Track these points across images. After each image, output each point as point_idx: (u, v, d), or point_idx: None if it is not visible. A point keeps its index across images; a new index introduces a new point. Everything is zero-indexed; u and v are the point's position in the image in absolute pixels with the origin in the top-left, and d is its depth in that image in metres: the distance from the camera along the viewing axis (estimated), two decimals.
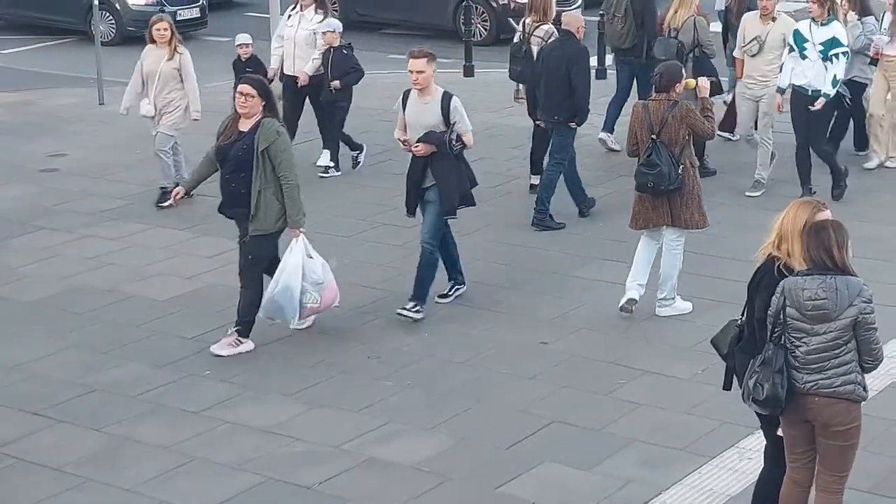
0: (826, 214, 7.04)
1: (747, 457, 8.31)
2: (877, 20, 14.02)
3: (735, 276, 11.15)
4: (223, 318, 10.66)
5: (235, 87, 14.35)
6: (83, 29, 21.51)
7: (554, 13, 13.63)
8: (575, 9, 18.73)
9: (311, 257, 10.10)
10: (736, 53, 13.72)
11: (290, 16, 14.83)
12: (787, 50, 12.99)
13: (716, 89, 12.91)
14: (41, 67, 20.34)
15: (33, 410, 9.25)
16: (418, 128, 10.58)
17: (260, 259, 10.08)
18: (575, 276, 11.47)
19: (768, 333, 6.99)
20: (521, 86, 13.83)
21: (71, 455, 8.66)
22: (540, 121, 13.05)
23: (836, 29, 12.76)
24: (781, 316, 6.91)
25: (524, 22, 13.78)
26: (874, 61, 13.99)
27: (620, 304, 10.50)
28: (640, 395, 9.25)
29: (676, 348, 9.98)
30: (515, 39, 13.86)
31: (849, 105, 13.73)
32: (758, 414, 7.26)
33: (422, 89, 10.54)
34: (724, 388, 7.45)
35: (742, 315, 7.30)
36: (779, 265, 7.03)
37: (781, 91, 13.01)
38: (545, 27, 13.47)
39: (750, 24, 13.49)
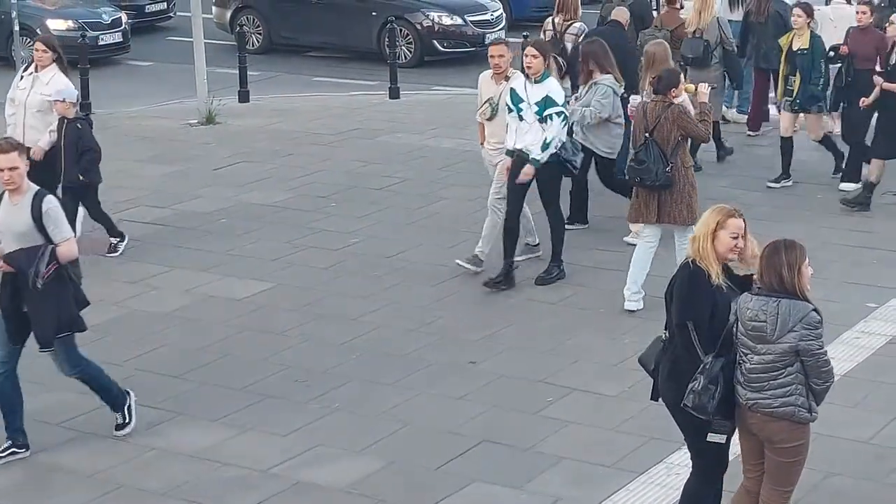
0: (739, 223, 7.16)
1: (675, 472, 8.36)
2: (616, 80, 12.49)
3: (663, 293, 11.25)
4: (148, 344, 10.59)
5: None
6: (3, 55, 21.29)
7: (580, 11, 14.58)
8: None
9: None
10: (477, 117, 12.34)
11: (22, 76, 12.68)
12: (507, 110, 11.60)
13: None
14: None
15: None
16: (9, 236, 8.47)
17: None
18: (504, 296, 11.49)
19: (717, 345, 7.08)
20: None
21: None
22: None
23: (550, 86, 11.35)
24: (734, 330, 7.02)
25: (553, 21, 14.52)
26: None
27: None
28: (569, 413, 9.28)
29: (603, 366, 10.03)
30: (547, 38, 14.39)
31: (574, 172, 11.78)
32: (681, 427, 7.35)
33: (13, 189, 8.40)
34: (651, 399, 7.57)
35: (665, 329, 7.40)
36: (692, 261, 7.15)
37: (510, 154, 11.54)
38: (577, 25, 14.33)
39: (485, 84, 12.14)
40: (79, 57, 18.78)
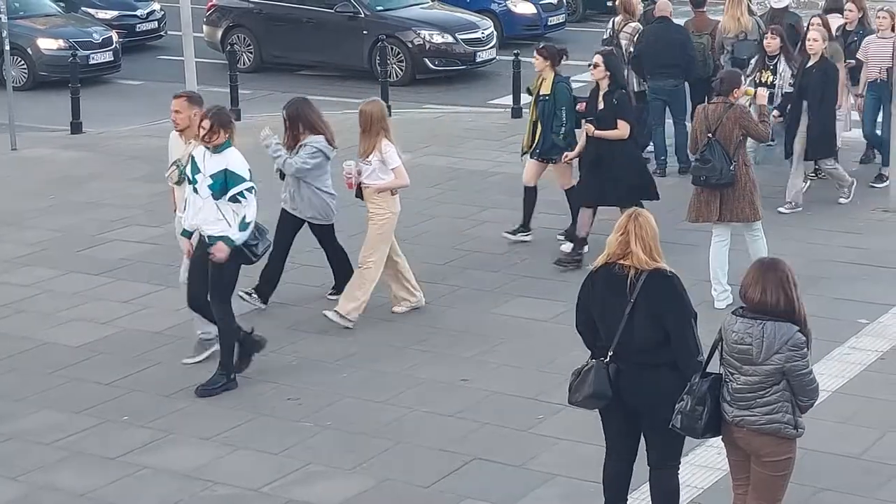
0: (648, 214, 7.40)
1: None
2: (328, 143, 11.29)
3: None
4: (139, 363, 10.59)
5: None
6: None
7: (640, 12, 15.86)
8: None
9: None
10: (167, 181, 10.83)
11: None
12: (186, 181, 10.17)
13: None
14: None
15: None
16: None
17: None
18: (494, 313, 11.51)
19: (703, 364, 7.13)
20: None
21: None
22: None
23: (230, 158, 9.82)
24: (720, 349, 7.05)
25: (614, 21, 15.84)
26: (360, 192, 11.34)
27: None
28: (560, 430, 9.29)
29: None
30: (605, 36, 15.85)
31: (254, 259, 10.20)
32: (654, 425, 7.42)
33: None
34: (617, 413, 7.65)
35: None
36: (666, 270, 7.31)
37: (187, 235, 10.12)
38: (633, 24, 15.52)
39: (174, 143, 10.58)
40: (70, 76, 18.85)
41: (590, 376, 7.47)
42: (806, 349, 6.89)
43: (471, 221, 14.07)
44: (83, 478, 8.83)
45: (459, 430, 9.35)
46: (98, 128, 18.66)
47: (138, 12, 25.04)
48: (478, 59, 21.97)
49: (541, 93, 12.88)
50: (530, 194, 13.18)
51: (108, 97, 21.07)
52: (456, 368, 10.39)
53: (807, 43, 13.73)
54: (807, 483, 8.26)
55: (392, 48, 21.15)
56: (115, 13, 24.77)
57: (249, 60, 22.82)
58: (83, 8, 24.79)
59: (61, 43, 22.00)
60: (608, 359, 7.41)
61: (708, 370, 7.20)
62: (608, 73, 12.33)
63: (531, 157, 13.09)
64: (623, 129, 12.26)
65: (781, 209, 13.80)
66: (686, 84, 15.51)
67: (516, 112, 18.45)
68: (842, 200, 14.13)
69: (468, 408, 9.71)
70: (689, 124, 13.80)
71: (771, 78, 14.04)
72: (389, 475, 8.76)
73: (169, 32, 24.57)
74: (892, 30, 14.58)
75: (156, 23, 25.19)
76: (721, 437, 7.25)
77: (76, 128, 18.50)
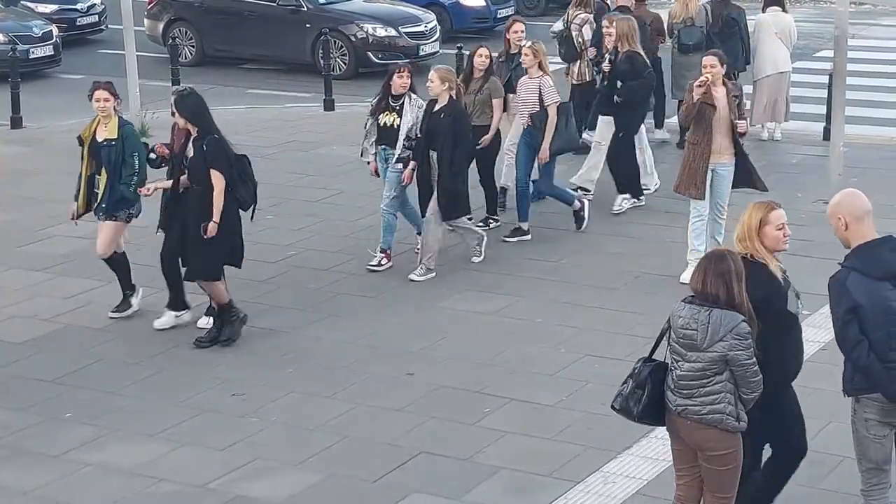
0: (780, 213, 7.42)
1: (611, 481, 8.43)
2: None
3: (597, 303, 11.31)
4: (83, 360, 10.51)
5: None
6: None
7: (594, 4, 15.87)
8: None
9: None
10: None
11: None
12: None
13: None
14: None
15: None
16: None
17: None
18: (440, 306, 11.52)
19: (650, 350, 7.21)
20: (570, 65, 15.68)
21: None
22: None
23: None
24: (667, 336, 7.11)
25: (568, 12, 15.95)
26: None
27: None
28: (506, 424, 9.32)
29: (540, 376, 10.07)
30: (560, 27, 15.93)
31: None
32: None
33: None
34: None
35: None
36: (749, 257, 7.31)
37: None
38: (582, 16, 15.60)
39: None
40: (10, 70, 18.67)
41: None
42: (750, 340, 6.95)
43: None
44: (27, 476, 8.75)
45: (405, 425, 9.36)
46: (38, 122, 18.49)
47: (79, 6, 24.84)
48: (421, 53, 21.97)
49: (101, 138, 11.04)
50: (116, 261, 11.39)
51: (48, 91, 20.87)
52: (402, 362, 10.39)
53: (427, 84, 12.00)
54: None
55: (335, 41, 21.11)
56: (55, 7, 24.55)
57: (191, 54, 22.69)
58: (23, 2, 24.55)
59: (1, 37, 21.76)
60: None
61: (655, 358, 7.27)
62: (187, 118, 10.55)
63: (97, 217, 11.23)
64: (217, 182, 10.36)
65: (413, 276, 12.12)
66: None
67: None
68: (475, 259, 12.43)
69: (414, 402, 9.71)
70: None
71: (396, 120, 12.24)
72: (336, 470, 8.75)
73: (110, 26, 24.38)
74: (540, 68, 12.74)
75: (96, 16, 24.99)
76: (665, 426, 7.31)
77: (16, 122, 18.32)
